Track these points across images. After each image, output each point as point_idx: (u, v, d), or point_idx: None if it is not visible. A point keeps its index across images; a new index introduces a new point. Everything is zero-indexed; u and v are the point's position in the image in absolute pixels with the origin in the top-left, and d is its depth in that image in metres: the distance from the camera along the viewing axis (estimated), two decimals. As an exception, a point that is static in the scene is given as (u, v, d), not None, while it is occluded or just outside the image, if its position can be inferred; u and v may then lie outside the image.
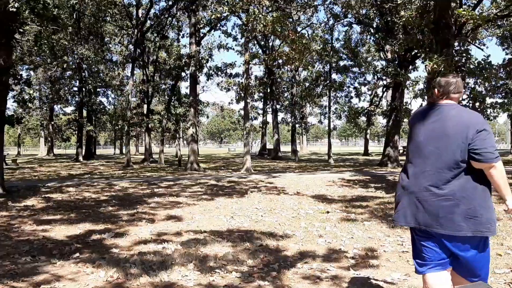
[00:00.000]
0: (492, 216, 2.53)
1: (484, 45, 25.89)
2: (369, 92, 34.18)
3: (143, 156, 31.26)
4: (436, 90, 2.74)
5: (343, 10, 24.84)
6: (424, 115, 2.74)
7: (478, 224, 2.47)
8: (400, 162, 20.62)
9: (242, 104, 22.98)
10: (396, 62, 21.85)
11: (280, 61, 24.93)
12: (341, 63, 29.11)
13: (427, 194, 2.57)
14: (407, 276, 4.22)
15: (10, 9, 9.68)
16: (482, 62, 12.43)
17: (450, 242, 2.55)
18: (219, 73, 25.49)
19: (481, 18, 12.61)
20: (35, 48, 15.76)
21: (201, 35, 24.12)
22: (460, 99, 2.83)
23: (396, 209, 2.78)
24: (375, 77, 30.73)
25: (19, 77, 12.54)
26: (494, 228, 2.52)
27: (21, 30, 11.63)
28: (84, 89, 31.65)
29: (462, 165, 2.51)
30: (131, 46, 29.43)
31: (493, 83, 16.43)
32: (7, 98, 11.91)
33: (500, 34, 23.02)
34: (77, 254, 5.08)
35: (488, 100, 14.59)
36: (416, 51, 19.46)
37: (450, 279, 2.67)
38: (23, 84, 12.40)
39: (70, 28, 24.91)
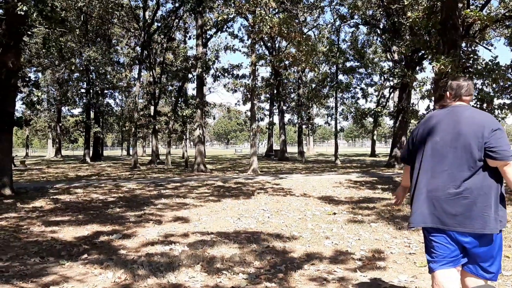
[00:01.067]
0: (505, 213, 2.60)
1: (492, 45, 25.68)
2: (376, 93, 34.10)
3: (150, 158, 31.38)
4: (448, 93, 2.83)
5: (350, 11, 24.75)
6: (438, 117, 2.78)
7: (494, 220, 2.52)
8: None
9: (248, 105, 23.00)
10: (403, 63, 21.79)
11: (287, 62, 24.97)
12: (348, 64, 29.08)
13: (445, 193, 2.60)
14: (415, 278, 4.20)
15: (19, 12, 9.79)
16: (490, 63, 12.34)
17: (464, 238, 2.58)
18: (226, 74, 25.54)
19: (489, 18, 12.51)
20: (43, 50, 15.85)
21: (208, 36, 24.17)
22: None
23: (412, 211, 2.77)
24: (382, 78, 30.67)
25: (27, 79, 12.62)
26: (505, 223, 2.59)
27: (29, 33, 11.72)
28: (91, 90, 31.89)
29: (479, 164, 2.56)
30: (138, 48, 29.60)
31: (501, 84, 16.29)
32: (16, 100, 12.02)
33: (508, 35, 22.76)
34: (85, 255, 5.12)
35: (496, 101, 14.46)
36: (423, 52, 19.39)
37: (459, 278, 2.67)
38: (31, 86, 12.48)
39: (78, 30, 25.08)
